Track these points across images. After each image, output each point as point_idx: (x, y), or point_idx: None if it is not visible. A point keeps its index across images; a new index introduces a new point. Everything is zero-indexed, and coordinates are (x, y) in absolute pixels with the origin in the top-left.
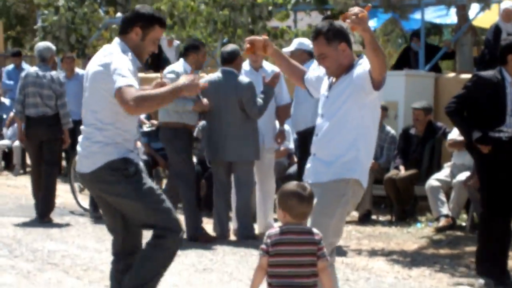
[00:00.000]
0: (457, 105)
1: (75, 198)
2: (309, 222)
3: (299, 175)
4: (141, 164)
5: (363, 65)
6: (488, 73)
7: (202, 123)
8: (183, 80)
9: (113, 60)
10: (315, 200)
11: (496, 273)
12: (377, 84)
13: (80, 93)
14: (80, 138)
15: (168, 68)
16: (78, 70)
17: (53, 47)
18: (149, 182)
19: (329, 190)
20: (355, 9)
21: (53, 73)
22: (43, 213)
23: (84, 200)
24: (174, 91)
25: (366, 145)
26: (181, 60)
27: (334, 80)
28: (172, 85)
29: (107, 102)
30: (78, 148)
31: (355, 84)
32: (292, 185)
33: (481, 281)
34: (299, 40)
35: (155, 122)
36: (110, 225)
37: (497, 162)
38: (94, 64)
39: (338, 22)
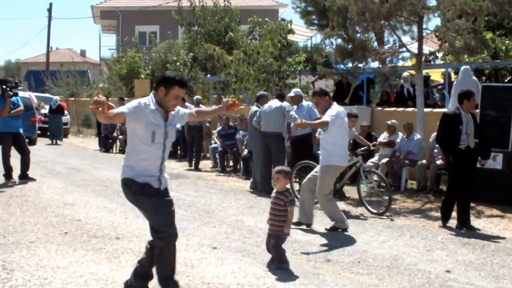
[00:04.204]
0: (439, 138)
1: (292, 187)
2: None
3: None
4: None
5: (328, 114)
6: (450, 111)
7: (243, 132)
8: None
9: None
10: (319, 174)
11: (447, 218)
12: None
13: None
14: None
15: None
16: (187, 104)
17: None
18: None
19: (323, 170)
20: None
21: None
22: (196, 166)
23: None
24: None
25: (340, 148)
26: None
27: (321, 116)
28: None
29: (130, 134)
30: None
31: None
32: (284, 166)
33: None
34: (296, 89)
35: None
36: None
37: (459, 161)
38: None
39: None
